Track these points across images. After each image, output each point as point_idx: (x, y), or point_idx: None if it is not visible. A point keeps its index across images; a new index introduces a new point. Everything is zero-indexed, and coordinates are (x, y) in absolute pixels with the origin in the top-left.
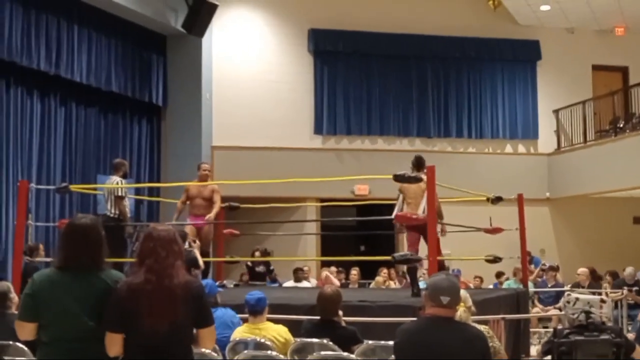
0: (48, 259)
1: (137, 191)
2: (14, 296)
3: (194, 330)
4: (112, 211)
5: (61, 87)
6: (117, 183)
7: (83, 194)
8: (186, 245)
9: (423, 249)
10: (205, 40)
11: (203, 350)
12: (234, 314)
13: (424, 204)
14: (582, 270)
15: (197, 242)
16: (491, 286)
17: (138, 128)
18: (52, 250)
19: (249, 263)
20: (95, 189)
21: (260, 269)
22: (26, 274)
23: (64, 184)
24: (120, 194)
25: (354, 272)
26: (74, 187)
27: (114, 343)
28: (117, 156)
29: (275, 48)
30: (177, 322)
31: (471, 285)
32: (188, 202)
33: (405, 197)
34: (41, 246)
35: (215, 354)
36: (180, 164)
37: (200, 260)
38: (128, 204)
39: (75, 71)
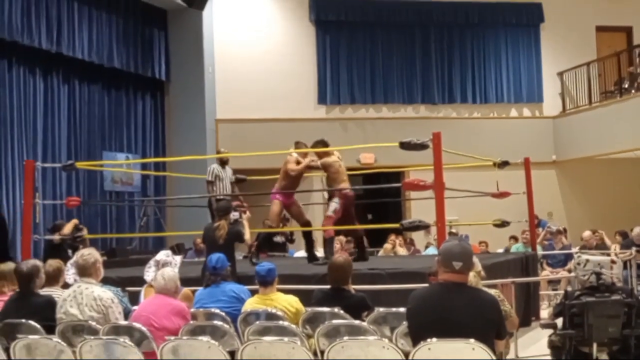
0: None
1: (144, 166)
2: (43, 276)
3: None
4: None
5: (63, 65)
6: (214, 169)
7: (89, 171)
8: (236, 216)
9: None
10: (206, 13)
11: (215, 322)
12: (246, 289)
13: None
14: (587, 233)
15: (248, 213)
16: (500, 250)
17: (142, 103)
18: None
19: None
20: (101, 165)
21: (278, 239)
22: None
23: (69, 162)
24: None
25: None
26: (79, 164)
27: None
28: (121, 132)
29: (277, 19)
30: None
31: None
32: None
33: (329, 171)
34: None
35: (227, 326)
36: (184, 138)
37: (248, 234)
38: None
39: (77, 48)
